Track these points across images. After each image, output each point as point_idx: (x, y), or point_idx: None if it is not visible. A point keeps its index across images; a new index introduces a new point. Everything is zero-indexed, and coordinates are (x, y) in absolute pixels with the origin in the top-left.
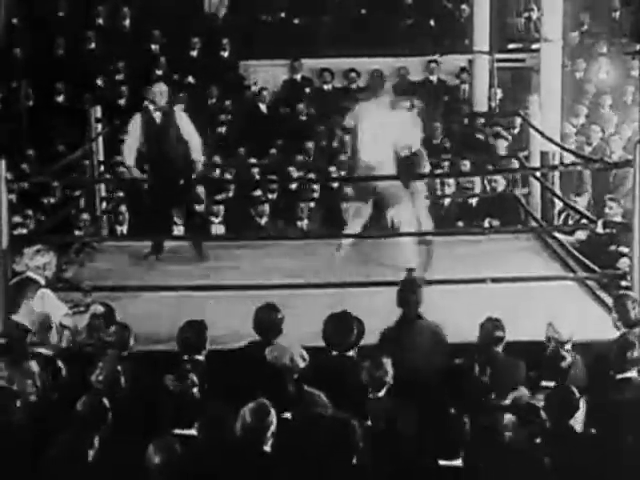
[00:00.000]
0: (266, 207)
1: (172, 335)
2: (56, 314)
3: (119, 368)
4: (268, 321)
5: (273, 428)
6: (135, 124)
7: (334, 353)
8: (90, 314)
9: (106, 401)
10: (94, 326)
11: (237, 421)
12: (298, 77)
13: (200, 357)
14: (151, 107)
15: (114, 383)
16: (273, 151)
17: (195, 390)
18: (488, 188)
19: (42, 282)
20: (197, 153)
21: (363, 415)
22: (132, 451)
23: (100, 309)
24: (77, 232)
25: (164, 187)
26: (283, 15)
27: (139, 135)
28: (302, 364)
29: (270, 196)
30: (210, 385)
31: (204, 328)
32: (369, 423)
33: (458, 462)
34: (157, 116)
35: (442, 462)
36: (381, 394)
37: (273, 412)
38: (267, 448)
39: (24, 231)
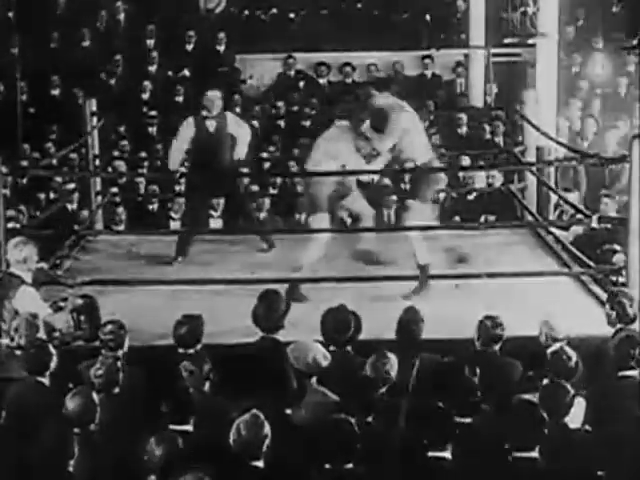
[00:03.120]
0: (266, 201)
1: (168, 330)
2: (39, 313)
3: (119, 364)
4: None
5: (267, 441)
6: (188, 130)
7: (331, 349)
8: (69, 309)
9: (96, 397)
10: (74, 320)
11: (231, 433)
12: (292, 73)
13: (192, 351)
14: (205, 114)
15: (113, 379)
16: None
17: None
18: (485, 184)
19: (24, 277)
20: (241, 149)
21: (364, 412)
22: (127, 447)
23: (78, 302)
24: (72, 226)
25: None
26: (279, 10)
27: (189, 142)
28: (324, 363)
29: (271, 190)
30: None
31: (201, 323)
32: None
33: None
34: (210, 124)
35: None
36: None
37: (267, 425)
38: (260, 463)
39: (17, 225)
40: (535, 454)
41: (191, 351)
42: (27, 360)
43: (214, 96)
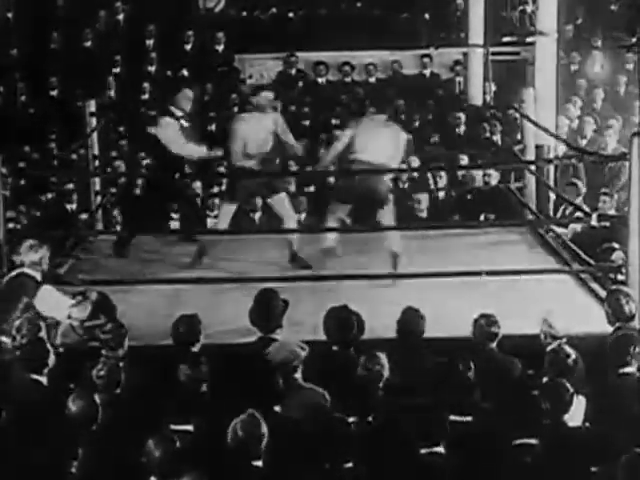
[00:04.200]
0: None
1: (168, 330)
2: (62, 309)
3: (120, 365)
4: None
5: (265, 440)
6: (172, 127)
7: (334, 348)
8: (91, 300)
9: (97, 399)
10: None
11: (228, 433)
12: (293, 71)
13: (195, 350)
14: (178, 113)
15: (115, 380)
16: None
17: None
18: (482, 182)
19: (39, 278)
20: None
21: (365, 411)
22: (128, 448)
23: (94, 295)
24: (72, 226)
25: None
26: (278, 9)
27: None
28: (303, 353)
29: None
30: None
31: (197, 322)
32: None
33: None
34: (183, 124)
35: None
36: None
37: (264, 424)
38: (259, 463)
39: (17, 226)
40: (534, 440)
41: (194, 349)
42: (24, 358)
43: (189, 94)
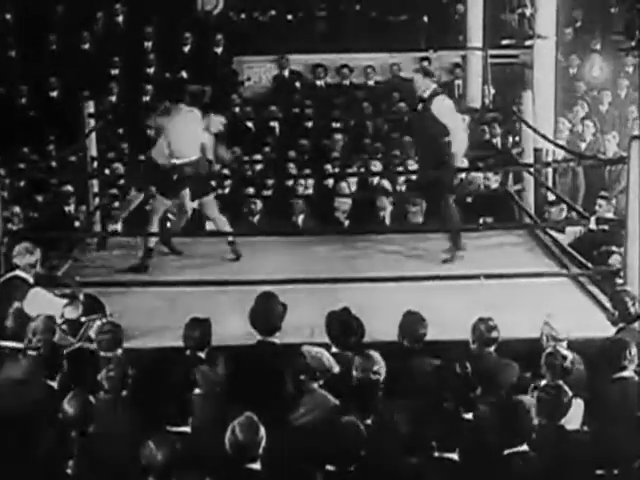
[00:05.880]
0: (259, 204)
1: (164, 330)
2: (55, 310)
3: (129, 370)
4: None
5: (264, 443)
6: None
7: (334, 350)
8: (80, 301)
9: (101, 399)
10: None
11: (226, 435)
12: (286, 73)
13: (202, 354)
14: None
15: (124, 381)
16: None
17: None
18: (482, 185)
19: (31, 281)
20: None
21: (365, 413)
22: (127, 449)
23: (82, 296)
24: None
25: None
26: (277, 11)
27: None
28: (336, 369)
29: (265, 193)
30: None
31: (209, 326)
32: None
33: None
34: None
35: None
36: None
37: (262, 427)
38: (257, 466)
39: (13, 228)
40: (525, 447)
41: (201, 354)
42: (44, 365)
43: None
